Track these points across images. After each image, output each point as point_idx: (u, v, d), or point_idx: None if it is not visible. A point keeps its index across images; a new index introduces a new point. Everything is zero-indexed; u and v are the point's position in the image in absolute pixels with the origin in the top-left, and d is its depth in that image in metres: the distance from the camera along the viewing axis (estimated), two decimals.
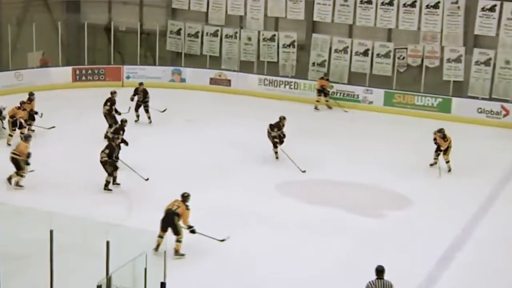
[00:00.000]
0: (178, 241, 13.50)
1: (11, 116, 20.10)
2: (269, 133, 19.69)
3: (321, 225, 15.55)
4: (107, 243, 9.84)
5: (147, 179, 17.23)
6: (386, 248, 14.42)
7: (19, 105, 20.40)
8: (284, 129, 19.72)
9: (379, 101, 26.20)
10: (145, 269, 9.90)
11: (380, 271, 10.71)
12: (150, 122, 22.80)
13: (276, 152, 19.72)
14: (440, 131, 19.28)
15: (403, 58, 26.56)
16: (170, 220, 13.42)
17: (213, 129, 22.49)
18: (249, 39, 28.44)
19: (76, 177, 17.62)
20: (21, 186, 17.04)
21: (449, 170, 19.22)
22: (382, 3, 26.52)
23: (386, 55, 26.73)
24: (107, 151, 16.82)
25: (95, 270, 10.15)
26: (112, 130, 19.53)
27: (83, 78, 27.72)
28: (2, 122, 20.73)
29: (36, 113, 20.99)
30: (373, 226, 15.66)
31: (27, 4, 28.73)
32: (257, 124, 21.30)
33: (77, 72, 27.72)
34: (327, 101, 25.94)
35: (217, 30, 28.88)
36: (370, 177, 18.63)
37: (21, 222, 13.84)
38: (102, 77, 27.78)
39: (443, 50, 26.00)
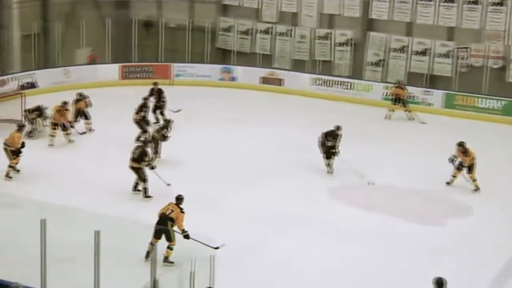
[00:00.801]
0: (170, 248, 12.71)
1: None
2: (322, 143, 18.28)
3: (374, 232, 15.00)
4: (155, 246, 10.36)
5: (169, 185, 16.34)
6: (443, 258, 13.79)
7: (60, 105, 19.97)
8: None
9: (438, 103, 25.26)
10: (192, 273, 9.63)
11: (440, 283, 9.98)
12: None
13: (328, 165, 18.28)
14: (461, 144, 17.41)
15: (466, 58, 25.47)
16: (164, 226, 12.70)
17: (263, 129, 21.97)
18: (303, 37, 27.79)
19: (123, 178, 17.10)
20: (10, 177, 17.02)
21: (476, 190, 17.34)
22: (444, 0, 25.59)
23: (447, 55, 25.85)
24: (146, 158, 16.22)
25: (141, 273, 10.12)
26: (158, 128, 18.80)
27: (131, 75, 27.30)
28: (44, 122, 20.43)
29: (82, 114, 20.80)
30: (430, 235, 15.03)
31: (76, 0, 28.42)
32: (308, 125, 20.96)
33: (125, 69, 27.34)
34: (407, 111, 23.85)
35: (270, 28, 28.29)
36: (427, 183, 17.80)
37: (66, 222, 13.61)
38: (150, 75, 27.21)
39: (508, 49, 24.98)
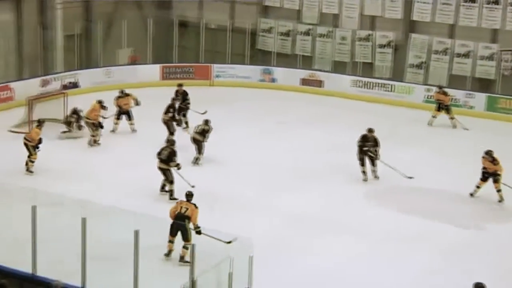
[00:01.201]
0: (186, 247, 12.68)
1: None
2: (360, 148, 17.85)
3: (411, 235, 14.84)
4: (192, 246, 9.73)
5: (193, 186, 15.99)
6: (480, 264, 13.47)
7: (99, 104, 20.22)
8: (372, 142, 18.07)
9: (480, 106, 24.85)
10: (230, 274, 9.69)
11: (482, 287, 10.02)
12: (187, 127, 21.16)
13: (363, 172, 17.94)
14: (488, 153, 16.71)
15: (509, 60, 25.07)
16: (181, 225, 12.75)
17: (303, 131, 21.89)
18: (343, 38, 27.57)
19: (160, 177, 17.18)
20: (31, 171, 17.43)
21: (500, 200, 16.67)
22: (488, 2, 25.24)
23: (490, 57, 25.44)
24: (175, 158, 16.20)
25: (180, 273, 10.39)
26: (198, 130, 18.77)
27: (171, 76, 27.30)
28: (79, 122, 20.46)
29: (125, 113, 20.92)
30: (467, 240, 14.82)
31: (118, 0, 28.61)
32: (348, 127, 20.74)
33: (166, 70, 27.38)
34: (451, 118, 23.06)
35: (310, 29, 28.11)
36: (468, 186, 17.31)
37: (106, 222, 13.74)
38: (190, 76, 27.27)
39: None
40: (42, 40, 25.34)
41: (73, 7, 26.95)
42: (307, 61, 28.08)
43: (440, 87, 23.84)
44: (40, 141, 17.60)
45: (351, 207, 16.35)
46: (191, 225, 12.87)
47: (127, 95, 21.21)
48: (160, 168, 16.12)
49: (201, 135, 18.50)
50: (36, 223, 10.63)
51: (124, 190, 16.50)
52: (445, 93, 23.26)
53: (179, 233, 12.85)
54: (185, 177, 16.15)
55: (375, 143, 17.87)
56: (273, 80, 27.63)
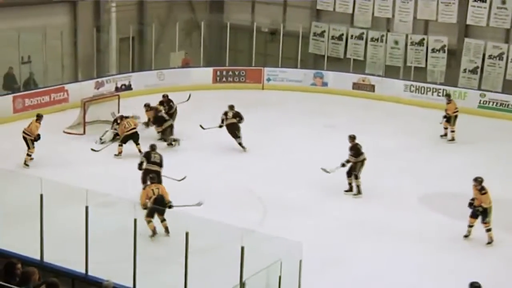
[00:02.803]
0: (164, 220, 14.11)
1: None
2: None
3: (464, 242, 14.55)
4: (242, 248, 9.66)
5: (182, 179, 16.37)
6: None
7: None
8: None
9: None
10: (280, 277, 9.72)
11: (478, 287, 10.16)
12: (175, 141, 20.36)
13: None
14: (477, 180, 14.38)
15: None
16: (162, 203, 14.05)
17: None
18: (396, 42, 27.31)
19: (212, 179, 17.25)
20: (27, 165, 17.74)
21: (489, 242, 14.34)
22: None
23: None
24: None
25: (229, 275, 10.16)
26: (230, 116, 18.95)
27: (224, 79, 27.43)
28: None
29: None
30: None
31: (171, 3, 28.87)
32: (400, 132, 20.49)
33: (218, 73, 27.48)
34: (451, 131, 21.57)
35: (363, 33, 27.94)
36: None
37: (157, 223, 14.09)
38: (242, 79, 27.35)
39: None
40: (97, 42, 25.71)
41: (127, 10, 27.30)
42: (359, 65, 27.86)
43: (447, 94, 22.79)
44: (38, 136, 17.87)
45: (402, 212, 16.13)
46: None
47: (151, 109, 20.76)
48: (154, 171, 15.85)
49: (237, 116, 18.98)
50: (88, 223, 10.78)
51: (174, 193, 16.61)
52: (450, 102, 21.85)
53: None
54: (170, 175, 16.16)
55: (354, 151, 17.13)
56: (324, 84, 27.52)
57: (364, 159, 16.89)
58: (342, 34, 28.28)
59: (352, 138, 17.15)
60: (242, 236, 9.63)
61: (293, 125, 22.40)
